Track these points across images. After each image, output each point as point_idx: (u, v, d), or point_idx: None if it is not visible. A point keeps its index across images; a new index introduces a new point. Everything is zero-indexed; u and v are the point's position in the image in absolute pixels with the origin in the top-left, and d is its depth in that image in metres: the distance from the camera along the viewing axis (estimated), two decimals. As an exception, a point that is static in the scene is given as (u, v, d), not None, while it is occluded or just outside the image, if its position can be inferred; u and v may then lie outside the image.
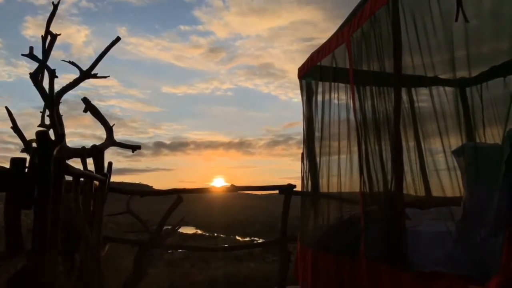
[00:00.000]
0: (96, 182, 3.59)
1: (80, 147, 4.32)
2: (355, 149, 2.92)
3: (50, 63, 4.00)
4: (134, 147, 5.34)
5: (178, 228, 5.69)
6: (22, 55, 3.93)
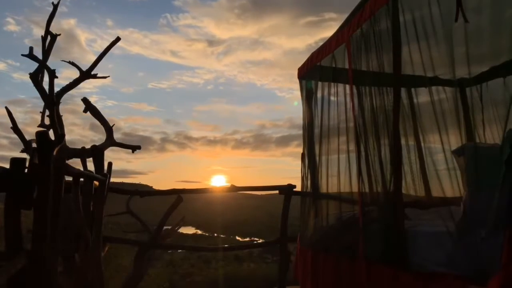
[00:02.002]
0: (96, 182, 3.59)
1: (80, 147, 4.32)
2: (354, 149, 2.93)
3: (48, 63, 4.01)
4: (134, 147, 5.35)
5: (178, 228, 5.69)
6: (22, 55, 3.94)
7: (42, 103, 4.24)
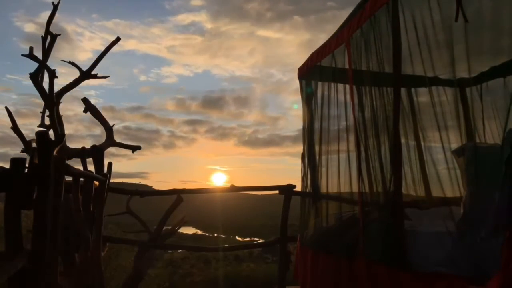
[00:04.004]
0: (96, 183, 3.59)
1: (80, 147, 4.33)
2: (354, 149, 2.93)
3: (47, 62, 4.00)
4: (134, 147, 5.35)
5: (178, 228, 5.69)
6: (22, 55, 3.94)
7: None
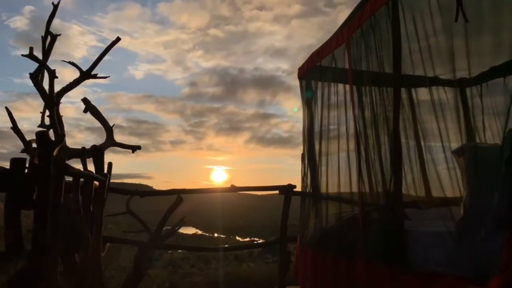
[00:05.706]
0: (96, 183, 3.59)
1: (80, 147, 4.32)
2: (354, 149, 2.93)
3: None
4: (134, 147, 5.34)
5: (178, 228, 5.68)
6: (22, 55, 3.94)
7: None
